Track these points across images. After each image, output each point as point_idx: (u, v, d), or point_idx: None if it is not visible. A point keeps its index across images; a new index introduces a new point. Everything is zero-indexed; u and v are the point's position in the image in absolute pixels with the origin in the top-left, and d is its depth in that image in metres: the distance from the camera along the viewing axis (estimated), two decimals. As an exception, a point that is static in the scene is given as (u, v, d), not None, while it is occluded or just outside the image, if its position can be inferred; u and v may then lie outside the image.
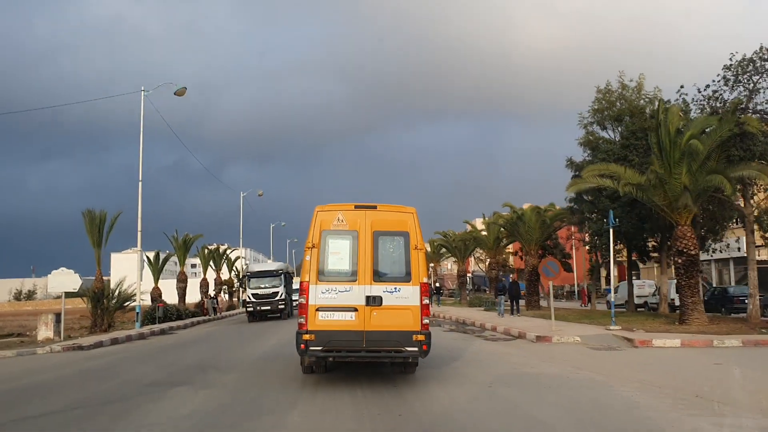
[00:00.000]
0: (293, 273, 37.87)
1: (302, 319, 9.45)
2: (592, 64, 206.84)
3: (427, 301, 9.61)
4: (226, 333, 25.81)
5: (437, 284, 57.19)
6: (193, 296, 59.22)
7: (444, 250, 70.66)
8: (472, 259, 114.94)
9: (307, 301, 9.43)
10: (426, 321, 9.53)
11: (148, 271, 43.19)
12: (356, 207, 9.94)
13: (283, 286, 31.65)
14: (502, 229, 40.24)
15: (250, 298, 31.23)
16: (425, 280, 9.71)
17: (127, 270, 40.82)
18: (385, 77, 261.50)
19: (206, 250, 67.72)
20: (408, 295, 9.52)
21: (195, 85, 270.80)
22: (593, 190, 24.16)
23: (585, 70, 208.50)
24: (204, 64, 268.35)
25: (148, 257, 46.85)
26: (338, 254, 9.77)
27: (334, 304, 9.45)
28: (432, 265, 73.47)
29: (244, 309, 32.68)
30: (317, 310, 9.43)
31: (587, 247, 38.56)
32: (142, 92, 28.87)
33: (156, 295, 41.74)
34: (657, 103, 22.69)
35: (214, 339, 22.83)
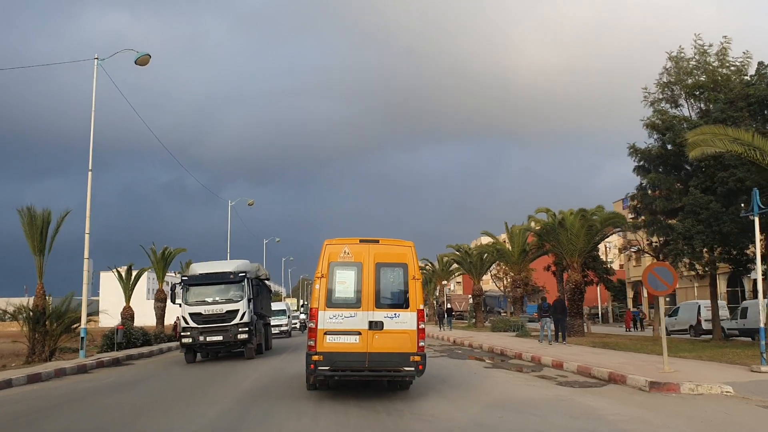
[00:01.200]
0: (267, 278, 25.65)
1: (312, 342, 10.29)
2: (592, 86, 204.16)
3: (422, 325, 10.48)
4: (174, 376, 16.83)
5: (448, 305, 50.74)
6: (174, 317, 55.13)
7: (455, 266, 64.47)
8: (484, 277, 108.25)
9: (317, 326, 10.30)
10: (422, 343, 10.41)
11: (121, 289, 37.35)
12: (361, 241, 10.86)
13: (246, 299, 19.47)
14: (537, 237, 34.05)
15: (187, 322, 18.99)
16: (421, 306, 10.54)
17: (118, 290, 37.73)
18: (386, 99, 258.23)
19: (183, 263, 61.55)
20: (406, 321, 10.36)
21: (194, 104, 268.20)
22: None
23: (585, 93, 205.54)
24: (203, 83, 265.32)
25: (119, 272, 40.68)
26: (344, 283, 10.62)
27: (341, 328, 10.27)
28: (444, 283, 67.14)
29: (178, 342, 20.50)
30: (325, 333, 10.26)
31: (646, 255, 32.18)
32: (96, 61, 22.88)
33: (127, 315, 35.53)
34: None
35: (164, 381, 16.11)
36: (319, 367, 10.18)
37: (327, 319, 10.30)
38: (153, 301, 45.23)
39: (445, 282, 68.49)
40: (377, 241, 10.88)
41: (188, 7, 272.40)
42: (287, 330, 38.36)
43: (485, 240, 46.45)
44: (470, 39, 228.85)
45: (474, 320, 48.38)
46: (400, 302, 10.51)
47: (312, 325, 10.35)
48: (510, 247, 38.71)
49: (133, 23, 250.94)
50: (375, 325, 10.23)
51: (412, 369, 10.24)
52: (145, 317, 48.00)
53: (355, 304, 10.43)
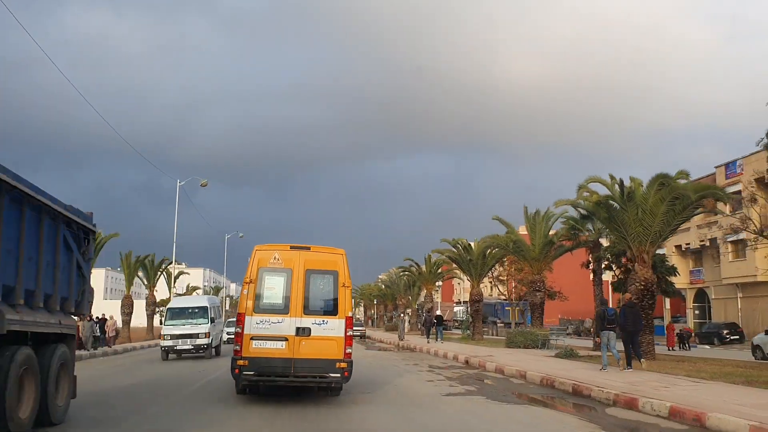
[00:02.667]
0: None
1: (237, 347, 10.22)
2: (574, 100, 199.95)
3: (350, 332, 10.51)
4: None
5: (437, 312, 41.82)
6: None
7: (450, 266, 55.74)
8: (466, 282, 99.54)
9: (243, 331, 10.22)
10: (349, 350, 10.45)
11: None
12: (291, 247, 10.86)
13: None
14: (571, 224, 25.35)
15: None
16: (350, 314, 10.60)
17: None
18: (366, 106, 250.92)
19: (134, 260, 52.33)
20: (334, 327, 10.37)
21: (172, 105, 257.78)
22: None
23: (568, 107, 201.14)
24: (183, 84, 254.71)
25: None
26: (273, 289, 10.59)
27: (267, 333, 10.24)
28: (439, 284, 58.34)
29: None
30: (251, 338, 10.20)
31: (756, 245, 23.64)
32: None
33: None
34: None
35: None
36: (244, 372, 10.14)
37: (254, 324, 10.28)
38: (109, 301, 37.73)
39: (439, 283, 59.70)
40: (308, 248, 10.93)
41: (171, 7, 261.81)
42: (207, 345, 23.59)
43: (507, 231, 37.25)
44: (453, 49, 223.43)
45: (470, 331, 39.50)
46: (329, 309, 10.55)
47: (239, 329, 10.27)
48: (529, 239, 29.93)
49: (115, 22, 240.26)
50: (302, 332, 10.25)
51: (338, 375, 10.30)
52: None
53: (282, 310, 10.42)
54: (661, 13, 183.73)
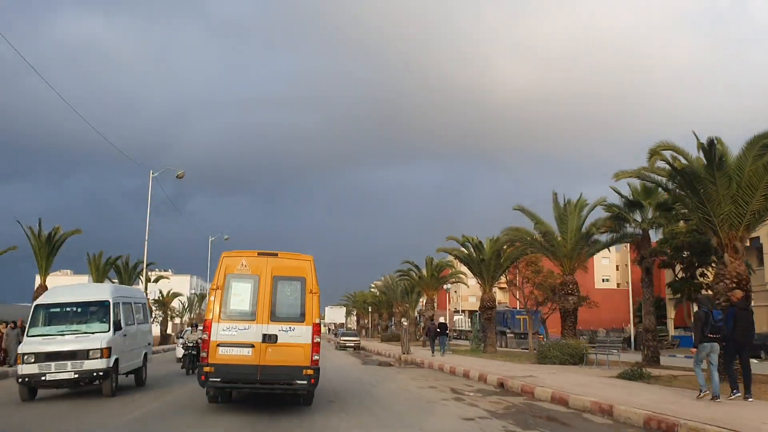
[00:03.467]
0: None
1: (204, 353, 10.09)
2: (569, 110, 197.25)
3: (318, 339, 10.34)
4: None
5: (440, 320, 36.68)
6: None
7: (454, 269, 50.94)
8: (469, 285, 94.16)
9: (210, 338, 10.07)
10: (316, 357, 10.28)
11: None
12: (259, 254, 10.69)
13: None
14: (615, 211, 20.47)
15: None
16: (317, 320, 10.44)
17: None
18: (359, 114, 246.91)
19: (104, 261, 47.28)
20: (301, 334, 10.24)
21: (162, 112, 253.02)
22: None
23: (561, 116, 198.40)
24: (172, 91, 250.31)
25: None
26: (240, 296, 10.42)
27: (234, 340, 10.09)
28: (448, 287, 53.55)
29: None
30: (218, 345, 10.04)
31: None
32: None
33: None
34: None
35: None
36: (210, 379, 9.99)
37: (220, 331, 10.13)
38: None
39: (448, 287, 54.73)
40: (276, 255, 10.77)
41: (163, 13, 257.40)
42: (104, 372, 12.72)
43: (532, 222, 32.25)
44: (447, 56, 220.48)
45: (482, 343, 34.47)
46: (296, 316, 10.39)
47: (205, 336, 10.17)
48: (559, 233, 24.97)
49: (107, 28, 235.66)
50: (269, 338, 10.14)
51: (305, 383, 10.19)
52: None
53: (249, 316, 10.29)
54: (649, 22, 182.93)
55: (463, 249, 35.78)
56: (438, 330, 33.18)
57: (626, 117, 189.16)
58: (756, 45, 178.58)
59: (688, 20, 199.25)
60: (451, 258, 51.79)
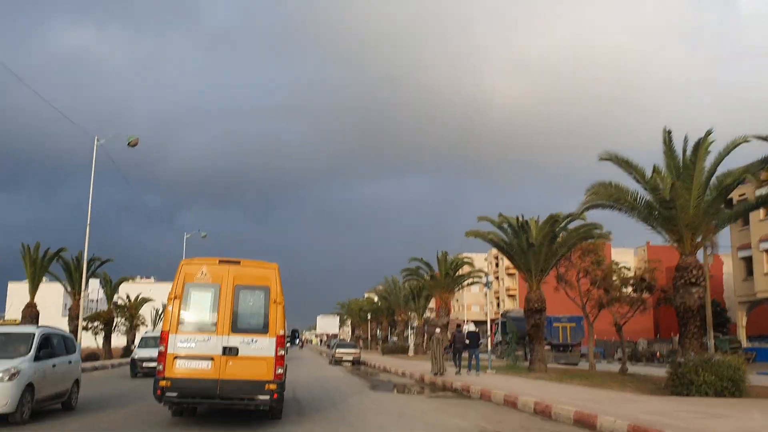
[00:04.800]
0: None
1: (160, 366, 9.56)
2: (560, 123, 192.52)
3: (282, 352, 9.83)
4: None
5: (469, 328, 27.71)
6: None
7: (473, 266, 42.42)
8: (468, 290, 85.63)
9: (166, 350, 9.59)
10: (280, 371, 9.75)
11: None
12: (220, 261, 10.22)
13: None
14: None
15: None
16: (281, 332, 9.89)
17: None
18: (349, 127, 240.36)
19: (42, 255, 38.71)
20: (264, 347, 9.74)
21: (152, 124, 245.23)
22: None
23: (554, 128, 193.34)
24: (163, 101, 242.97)
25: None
26: (200, 305, 9.95)
27: (192, 353, 9.62)
28: (472, 282, 44.77)
29: None
30: (175, 358, 9.57)
31: None
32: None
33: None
34: None
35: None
36: (167, 394, 9.48)
37: (178, 343, 9.64)
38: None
39: (474, 286, 46.12)
40: (238, 262, 10.27)
41: (154, 23, 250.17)
42: None
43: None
44: (440, 68, 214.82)
45: (526, 357, 25.67)
46: (259, 327, 9.87)
47: (162, 349, 9.64)
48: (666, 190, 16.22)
49: (98, 38, 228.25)
50: (229, 351, 9.65)
51: (267, 398, 9.63)
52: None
53: (209, 327, 9.81)
54: (639, 36, 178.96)
55: (498, 232, 26.95)
56: (467, 342, 24.49)
57: (616, 130, 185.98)
58: (744, 60, 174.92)
59: (677, 34, 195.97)
60: (467, 255, 43.06)
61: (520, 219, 25.65)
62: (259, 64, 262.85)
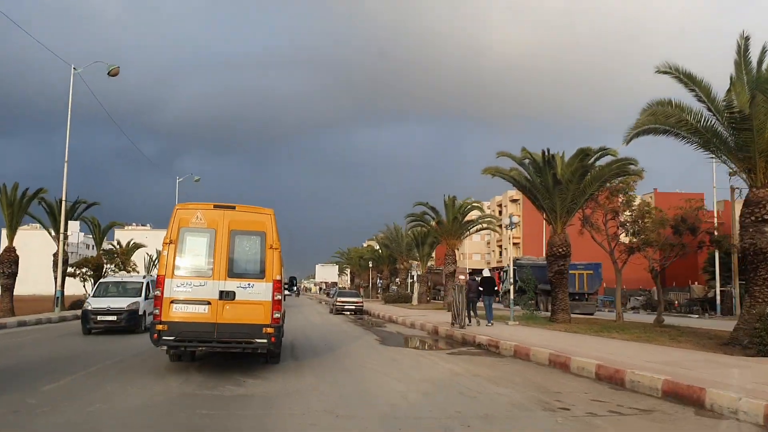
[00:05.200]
0: None
1: (157, 311, 9.68)
2: (563, 71, 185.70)
3: (279, 296, 9.86)
4: None
5: (485, 272, 25.20)
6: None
7: (476, 213, 40.00)
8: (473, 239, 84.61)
9: (162, 294, 9.64)
10: (277, 315, 9.78)
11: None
12: (215, 206, 10.18)
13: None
14: None
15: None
16: (278, 277, 9.95)
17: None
18: (352, 72, 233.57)
19: (20, 195, 35.71)
20: (261, 291, 9.79)
21: (151, 71, 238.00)
22: None
23: (557, 76, 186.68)
24: (161, 50, 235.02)
25: None
26: (195, 251, 9.97)
27: (189, 297, 9.67)
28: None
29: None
30: (171, 302, 9.62)
31: None
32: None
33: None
34: None
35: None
36: (164, 337, 9.56)
37: (174, 287, 9.68)
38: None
39: (485, 232, 43.48)
40: (233, 207, 10.26)
41: None
42: None
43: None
44: (441, 15, 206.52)
45: (539, 306, 23.22)
46: (255, 272, 9.94)
47: (158, 293, 9.74)
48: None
49: None
50: (226, 295, 9.69)
51: (265, 341, 9.71)
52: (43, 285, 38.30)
53: (205, 272, 9.85)
54: None
55: (520, 169, 24.10)
56: (481, 288, 22.05)
57: (620, 79, 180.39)
58: (752, 5, 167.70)
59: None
60: (475, 200, 40.28)
61: (546, 153, 22.76)
62: (260, 12, 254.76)
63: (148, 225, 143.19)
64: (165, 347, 9.98)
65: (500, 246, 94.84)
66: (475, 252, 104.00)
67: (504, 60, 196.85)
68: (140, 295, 18.37)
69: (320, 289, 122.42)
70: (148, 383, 8.85)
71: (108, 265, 48.57)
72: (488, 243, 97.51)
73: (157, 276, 9.94)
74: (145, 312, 17.76)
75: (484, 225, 40.11)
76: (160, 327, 9.51)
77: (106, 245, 54.90)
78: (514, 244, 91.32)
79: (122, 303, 17.50)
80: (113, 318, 17.06)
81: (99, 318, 17.05)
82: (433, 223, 39.96)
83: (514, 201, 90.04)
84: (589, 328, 18.87)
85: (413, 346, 15.84)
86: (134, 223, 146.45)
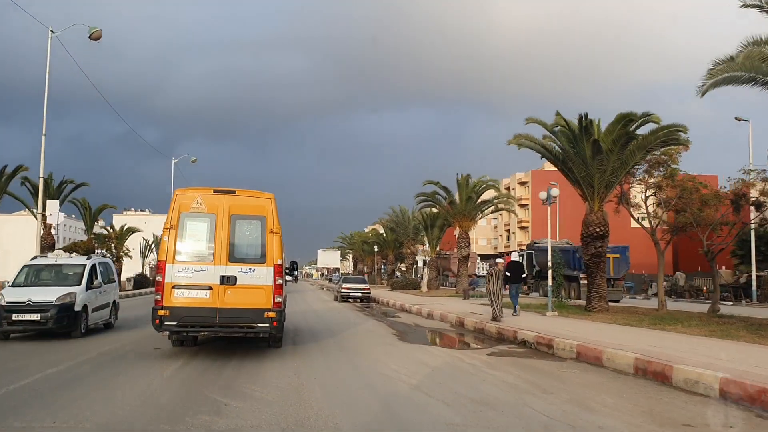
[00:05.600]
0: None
1: (158, 296, 9.65)
2: (567, 53, 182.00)
3: (280, 281, 9.85)
4: None
5: (515, 257, 22.21)
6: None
7: (491, 193, 37.66)
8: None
9: (164, 279, 9.63)
10: (278, 299, 9.79)
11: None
12: (215, 191, 10.17)
13: None
14: None
15: None
16: (279, 261, 9.90)
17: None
18: (350, 58, 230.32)
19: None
20: (262, 276, 9.77)
21: (150, 54, 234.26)
22: None
23: (560, 58, 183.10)
24: (160, 33, 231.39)
25: None
26: (196, 236, 9.94)
27: (190, 282, 9.66)
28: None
29: None
30: (173, 287, 9.62)
31: None
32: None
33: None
34: None
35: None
36: (166, 322, 9.57)
37: (175, 272, 9.66)
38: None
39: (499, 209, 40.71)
40: (233, 192, 10.24)
41: None
42: None
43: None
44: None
45: (572, 294, 20.53)
46: (257, 257, 9.91)
47: (159, 278, 9.72)
48: None
49: None
50: (227, 280, 9.68)
51: (267, 326, 9.69)
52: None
53: (206, 257, 9.82)
54: None
55: (552, 139, 21.24)
56: (507, 274, 19.44)
57: (624, 61, 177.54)
58: None
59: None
60: (490, 177, 37.42)
61: (584, 119, 19.90)
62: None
63: (147, 210, 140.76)
64: (167, 333, 9.96)
65: (508, 230, 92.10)
66: (481, 237, 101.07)
67: (506, 41, 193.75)
68: (80, 283, 13.54)
69: (322, 275, 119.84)
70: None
71: (99, 250, 45.82)
72: (495, 227, 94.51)
73: (158, 261, 9.93)
74: (86, 307, 13.32)
75: (501, 205, 37.26)
76: (161, 312, 9.53)
77: (99, 230, 52.30)
78: (522, 228, 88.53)
79: (50, 295, 12.68)
80: (36, 317, 12.37)
81: (15, 317, 12.31)
82: (445, 203, 37.14)
83: (522, 183, 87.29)
84: (638, 319, 16.16)
85: (442, 344, 13.14)
86: (132, 209, 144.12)
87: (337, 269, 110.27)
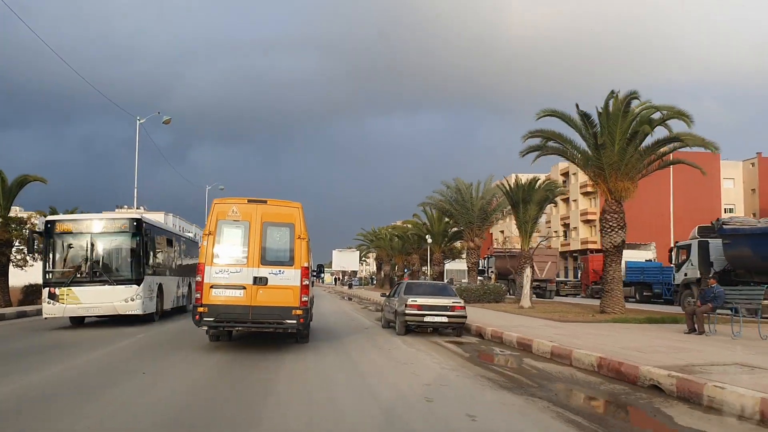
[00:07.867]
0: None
1: (198, 295, 10.79)
2: (577, 54, 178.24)
3: (306, 282, 10.92)
4: None
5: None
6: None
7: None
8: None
9: (203, 280, 10.77)
10: (305, 298, 10.88)
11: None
12: (249, 201, 11.26)
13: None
14: None
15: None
16: (306, 264, 10.98)
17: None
18: (361, 60, 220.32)
19: None
20: (290, 277, 10.89)
21: (160, 58, 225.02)
22: None
23: (571, 60, 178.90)
24: (171, 36, 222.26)
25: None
26: (231, 241, 11.06)
27: (226, 282, 10.80)
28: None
29: None
30: (211, 287, 10.76)
31: None
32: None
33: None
34: None
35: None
36: (204, 318, 10.67)
37: (213, 274, 10.77)
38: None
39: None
40: (265, 202, 11.28)
41: None
42: None
43: None
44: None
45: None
46: (285, 260, 10.97)
47: (199, 279, 10.79)
48: None
49: None
50: (259, 281, 10.77)
51: (294, 322, 10.78)
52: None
53: (241, 260, 10.90)
54: None
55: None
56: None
57: (634, 62, 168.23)
58: None
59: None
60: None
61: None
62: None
63: (141, 207, 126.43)
64: (206, 327, 11.04)
65: (566, 225, 75.23)
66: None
67: (516, 44, 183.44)
68: None
69: (336, 279, 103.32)
70: None
71: (17, 244, 28.98)
72: (548, 222, 76.48)
73: (198, 264, 10.97)
74: None
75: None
76: (201, 309, 10.65)
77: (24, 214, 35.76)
78: (587, 221, 71.59)
79: None
80: None
81: None
82: (584, 146, 20.64)
83: (564, 174, 71.87)
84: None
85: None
86: (125, 206, 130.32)
87: (355, 272, 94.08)
